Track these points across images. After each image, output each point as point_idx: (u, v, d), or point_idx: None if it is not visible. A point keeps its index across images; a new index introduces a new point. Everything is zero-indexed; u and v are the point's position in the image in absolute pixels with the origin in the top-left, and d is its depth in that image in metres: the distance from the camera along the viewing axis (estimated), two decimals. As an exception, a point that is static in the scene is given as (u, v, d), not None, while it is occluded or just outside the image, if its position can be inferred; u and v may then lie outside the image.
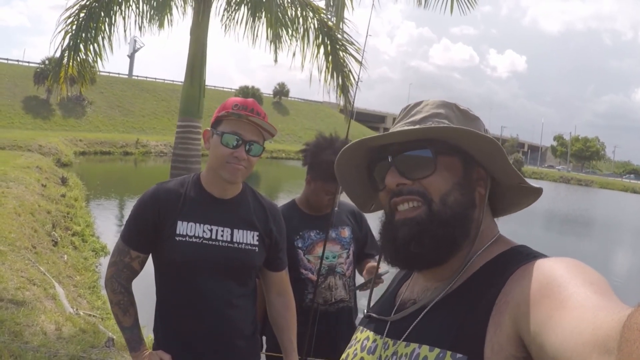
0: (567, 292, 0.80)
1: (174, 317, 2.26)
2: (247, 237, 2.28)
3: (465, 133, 1.07)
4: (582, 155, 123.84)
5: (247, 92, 70.30)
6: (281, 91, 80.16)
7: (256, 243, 2.30)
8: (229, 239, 2.24)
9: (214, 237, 2.22)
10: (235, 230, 2.27)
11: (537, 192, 1.17)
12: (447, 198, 1.07)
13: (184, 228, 2.20)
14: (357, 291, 2.99)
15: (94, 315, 5.95)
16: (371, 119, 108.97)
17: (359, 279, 3.00)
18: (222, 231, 2.24)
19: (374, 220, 1.38)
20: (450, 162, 1.10)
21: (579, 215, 32.30)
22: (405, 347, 1.04)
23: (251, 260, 2.29)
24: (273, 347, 2.75)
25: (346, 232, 3.02)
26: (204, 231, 2.22)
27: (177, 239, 2.19)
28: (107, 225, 13.43)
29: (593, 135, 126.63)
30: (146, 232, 2.24)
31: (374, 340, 1.14)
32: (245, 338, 2.32)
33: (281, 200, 3.21)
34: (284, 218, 2.70)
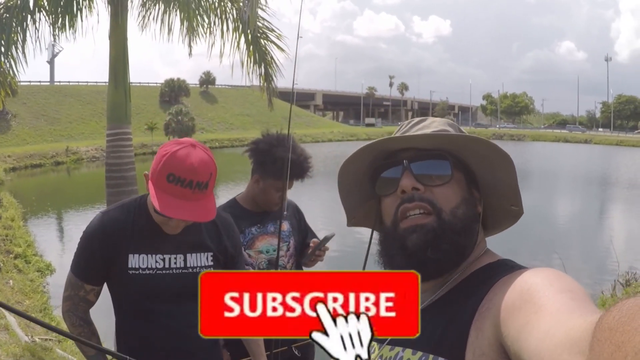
0: (545, 299, 0.82)
1: (135, 340, 2.24)
2: (200, 260, 2.26)
3: (490, 146, 1.11)
4: (512, 111, 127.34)
5: (173, 84, 69.23)
6: (207, 80, 79.09)
7: (210, 264, 2.28)
8: (182, 265, 2.22)
9: (167, 266, 2.19)
10: (189, 255, 2.24)
11: (517, 215, 1.20)
12: (457, 210, 1.09)
13: (135, 261, 2.16)
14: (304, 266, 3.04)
15: (50, 339, 5.81)
16: (301, 98, 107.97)
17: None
18: (175, 258, 2.21)
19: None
20: (460, 177, 1.13)
21: (519, 169, 33.26)
22: (390, 351, 1.06)
23: None
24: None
25: (285, 226, 3.04)
26: (156, 262, 2.18)
27: (130, 272, 2.16)
28: (49, 241, 13.01)
29: (521, 91, 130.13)
30: (96, 266, 2.20)
31: None
32: (207, 350, 2.33)
33: (224, 192, 3.14)
34: None
